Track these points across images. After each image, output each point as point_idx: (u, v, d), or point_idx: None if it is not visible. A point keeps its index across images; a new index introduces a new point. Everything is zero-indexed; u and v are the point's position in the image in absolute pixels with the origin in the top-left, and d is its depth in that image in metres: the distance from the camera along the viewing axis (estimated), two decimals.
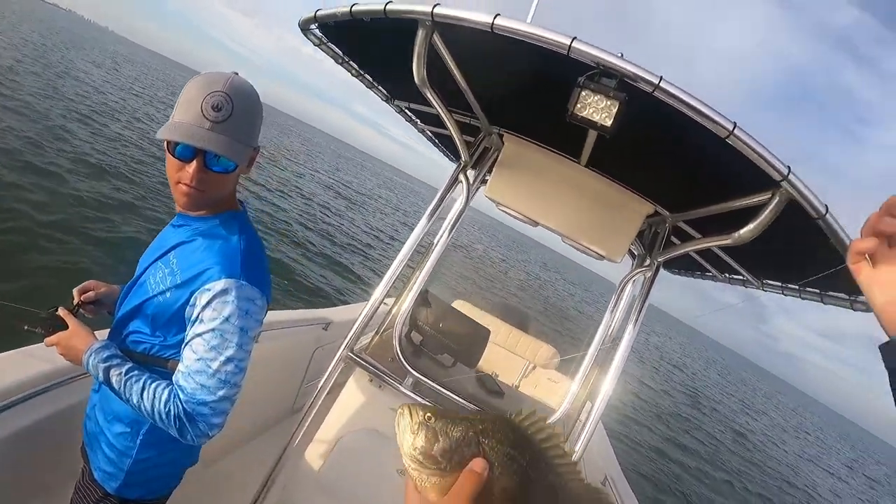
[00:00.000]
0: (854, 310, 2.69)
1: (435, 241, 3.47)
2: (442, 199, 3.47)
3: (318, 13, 2.52)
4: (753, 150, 1.84)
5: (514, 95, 2.83)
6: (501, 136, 3.41)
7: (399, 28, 2.26)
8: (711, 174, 2.37)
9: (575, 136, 2.71)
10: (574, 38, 1.83)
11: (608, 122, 1.82)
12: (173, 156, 1.65)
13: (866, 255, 0.97)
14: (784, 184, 1.91)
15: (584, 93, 1.83)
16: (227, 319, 1.61)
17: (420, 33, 2.24)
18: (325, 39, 2.94)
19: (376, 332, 3.59)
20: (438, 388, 3.08)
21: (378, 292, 3.28)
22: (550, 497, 0.83)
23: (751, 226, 2.17)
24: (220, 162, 1.66)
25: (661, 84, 1.78)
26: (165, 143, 1.64)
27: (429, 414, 0.87)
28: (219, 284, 1.62)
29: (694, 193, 2.83)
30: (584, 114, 1.84)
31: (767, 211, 2.07)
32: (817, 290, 2.91)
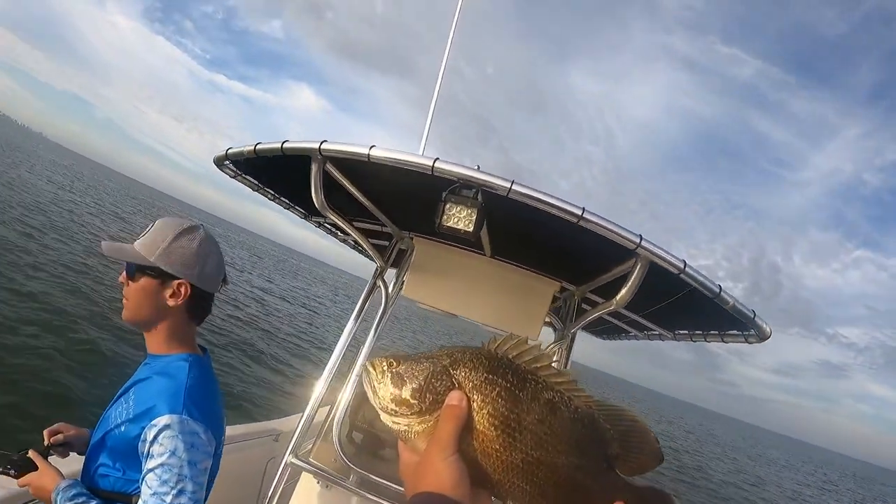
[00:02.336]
0: (749, 343, 2.93)
1: (363, 344, 3.65)
2: (364, 305, 3.72)
3: (229, 151, 2.80)
4: (605, 227, 2.10)
5: (412, 205, 3.11)
6: (412, 239, 3.67)
7: (300, 161, 2.54)
8: (592, 250, 2.63)
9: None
10: (436, 160, 2.11)
11: (470, 228, 2.08)
12: None
13: None
14: (639, 251, 2.16)
15: (447, 205, 2.10)
16: (173, 453, 1.68)
17: (314, 165, 2.54)
18: (239, 172, 3.22)
19: (318, 436, 3.70)
20: (382, 480, 3.19)
21: (314, 398, 3.47)
22: (552, 414, 0.77)
23: (623, 291, 2.42)
24: (128, 268, 1.91)
25: (513, 187, 2.05)
26: None
27: (391, 360, 0.83)
28: (163, 420, 1.72)
29: (587, 267, 3.09)
30: (449, 224, 2.10)
31: (634, 275, 2.33)
32: (717, 332, 3.15)
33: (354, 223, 3.48)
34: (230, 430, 4.31)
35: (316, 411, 3.43)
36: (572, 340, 3.46)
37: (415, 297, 3.61)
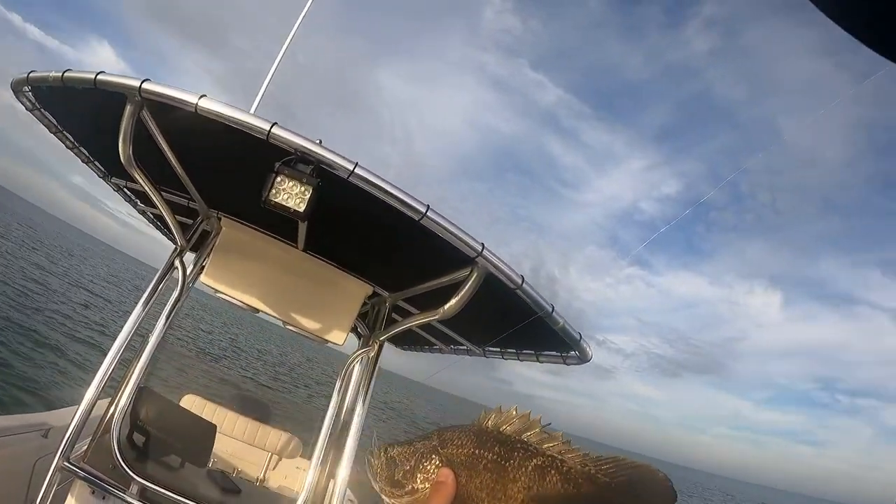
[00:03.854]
0: (567, 364, 2.96)
1: (151, 333, 3.19)
2: (157, 287, 3.20)
3: (31, 75, 2.30)
4: (447, 230, 1.95)
5: (229, 179, 2.75)
6: (220, 220, 3.26)
7: (112, 102, 2.08)
8: (420, 254, 2.48)
9: (290, 220, 2.69)
10: (274, 124, 1.82)
11: (301, 207, 1.83)
12: None
13: None
14: (479, 259, 2.04)
15: (279, 178, 1.82)
16: None
17: (129, 108, 2.08)
18: (38, 104, 2.69)
19: (95, 436, 3.15)
20: (167, 492, 2.78)
21: (91, 393, 2.91)
22: (541, 479, 0.78)
23: (453, 301, 2.28)
24: None
25: (356, 170, 1.83)
26: None
27: (386, 447, 0.89)
28: None
29: (408, 273, 2.95)
30: (277, 199, 1.83)
31: (468, 286, 2.20)
32: (532, 352, 3.15)
33: (161, 191, 3.04)
34: None
35: (93, 406, 2.90)
36: (380, 349, 3.28)
37: (214, 286, 3.22)
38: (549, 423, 0.82)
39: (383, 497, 0.86)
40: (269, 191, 1.83)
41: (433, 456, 0.84)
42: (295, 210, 1.83)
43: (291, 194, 1.82)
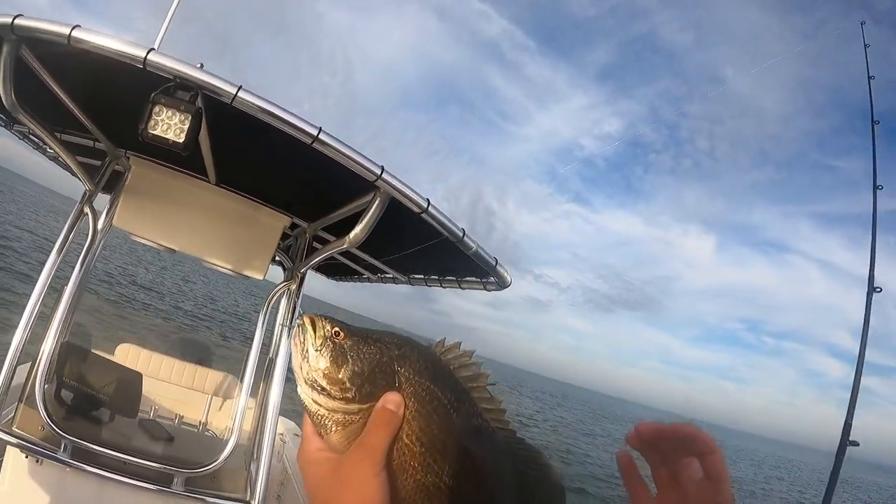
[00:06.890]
0: (487, 290, 2.97)
1: (67, 284, 3.09)
2: (69, 235, 3.09)
3: None
4: (343, 153, 1.91)
5: (129, 115, 2.62)
6: (129, 159, 3.14)
7: None
8: (327, 182, 2.43)
9: (197, 154, 2.60)
10: (150, 50, 1.73)
11: (181, 138, 1.75)
12: None
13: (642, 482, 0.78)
14: (379, 183, 2.01)
15: (156, 108, 1.74)
16: None
17: (5, 48, 1.92)
18: None
19: (20, 399, 3.08)
20: (101, 449, 2.75)
21: (12, 351, 2.82)
22: (477, 444, 0.70)
23: (357, 228, 2.26)
24: None
25: (238, 94, 1.76)
26: None
27: (338, 329, 0.71)
28: None
29: (322, 202, 2.91)
30: (155, 132, 1.75)
31: (371, 212, 2.17)
32: (454, 278, 3.17)
33: (63, 135, 2.88)
34: None
35: (15, 368, 2.83)
36: (302, 280, 3.27)
37: (128, 228, 3.13)
38: (495, 384, 0.73)
39: (303, 386, 0.71)
40: (147, 122, 1.74)
41: (388, 370, 0.70)
42: (174, 141, 1.74)
43: (170, 125, 1.73)
